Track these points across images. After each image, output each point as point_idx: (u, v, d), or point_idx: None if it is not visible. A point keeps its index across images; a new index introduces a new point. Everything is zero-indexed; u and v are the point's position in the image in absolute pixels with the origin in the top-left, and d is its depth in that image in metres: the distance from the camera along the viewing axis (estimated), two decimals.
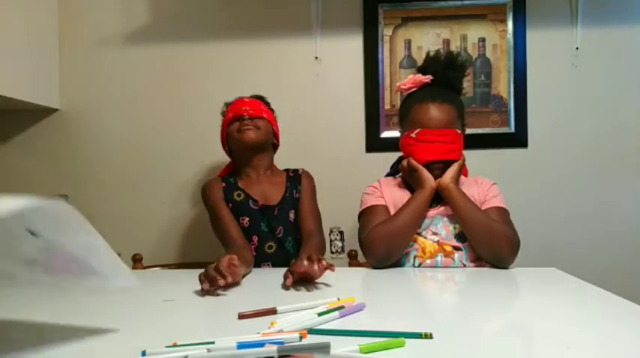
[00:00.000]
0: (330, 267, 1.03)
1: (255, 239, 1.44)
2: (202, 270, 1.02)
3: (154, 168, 1.98)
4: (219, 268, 0.98)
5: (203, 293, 0.98)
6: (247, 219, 1.44)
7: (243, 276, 1.17)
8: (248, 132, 1.46)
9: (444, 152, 1.28)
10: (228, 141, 1.54)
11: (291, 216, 1.47)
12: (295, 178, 1.53)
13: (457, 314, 0.87)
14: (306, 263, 1.00)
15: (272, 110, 1.60)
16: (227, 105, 1.58)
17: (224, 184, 1.49)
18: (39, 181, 2.00)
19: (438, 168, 1.30)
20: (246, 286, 1.13)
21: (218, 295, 0.98)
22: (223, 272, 0.97)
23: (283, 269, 1.09)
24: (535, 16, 1.90)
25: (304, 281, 1.03)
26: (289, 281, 1.01)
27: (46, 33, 1.94)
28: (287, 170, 1.57)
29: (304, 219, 1.47)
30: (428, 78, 1.36)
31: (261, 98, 1.60)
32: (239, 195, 1.46)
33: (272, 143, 1.57)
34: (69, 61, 1.99)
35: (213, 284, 0.96)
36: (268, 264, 1.44)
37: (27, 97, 1.80)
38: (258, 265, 1.42)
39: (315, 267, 1.00)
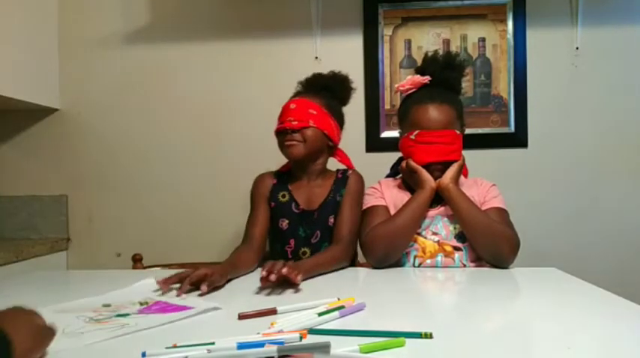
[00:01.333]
0: (291, 277, 0.98)
1: (292, 242, 1.39)
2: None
3: (153, 168, 1.98)
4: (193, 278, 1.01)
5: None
6: (287, 221, 1.39)
7: (236, 277, 1.17)
8: (292, 149, 1.35)
9: (444, 153, 1.28)
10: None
11: (331, 220, 1.38)
12: (342, 180, 1.42)
13: (457, 314, 0.87)
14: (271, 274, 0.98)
15: (332, 107, 1.43)
16: (300, 85, 1.49)
17: (275, 181, 1.44)
18: (39, 181, 2.00)
19: (437, 169, 1.30)
20: (247, 286, 1.12)
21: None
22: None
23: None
24: (535, 16, 1.90)
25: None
26: (271, 277, 0.98)
27: (46, 33, 1.94)
28: (338, 171, 1.46)
29: (339, 224, 1.36)
30: (426, 79, 1.35)
31: (315, 91, 1.44)
32: (284, 196, 1.41)
33: (326, 145, 1.43)
34: (69, 61, 1.99)
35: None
36: None
37: (27, 97, 1.80)
38: None
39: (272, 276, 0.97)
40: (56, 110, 1.99)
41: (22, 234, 1.98)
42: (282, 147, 1.39)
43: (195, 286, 1.01)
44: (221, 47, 1.96)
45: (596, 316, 0.83)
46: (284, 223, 1.39)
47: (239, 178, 1.91)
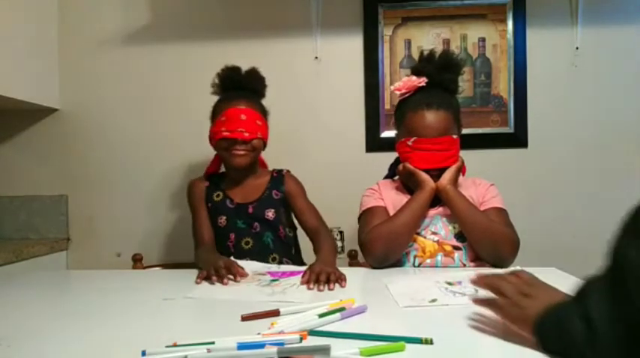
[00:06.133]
0: (340, 282, 1.07)
1: (232, 236, 1.45)
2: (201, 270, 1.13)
3: (153, 167, 1.98)
4: (230, 270, 1.12)
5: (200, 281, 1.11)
6: (224, 218, 1.46)
7: None
8: (240, 159, 1.43)
9: (440, 160, 1.28)
10: (215, 143, 1.49)
11: (269, 214, 1.46)
12: (279, 179, 1.51)
13: (458, 318, 0.87)
14: (311, 284, 1.06)
15: (265, 111, 1.52)
16: (219, 81, 1.54)
17: (207, 183, 1.52)
18: (39, 181, 1.99)
19: (434, 174, 1.30)
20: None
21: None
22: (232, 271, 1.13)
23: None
24: (535, 16, 1.89)
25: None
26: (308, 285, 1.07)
27: (46, 33, 1.94)
28: (273, 170, 1.56)
29: (303, 217, 1.47)
30: (422, 81, 1.34)
31: (255, 97, 1.51)
32: (218, 196, 1.49)
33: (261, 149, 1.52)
34: (69, 61, 1.99)
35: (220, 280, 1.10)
36: (247, 259, 1.41)
37: (27, 97, 1.80)
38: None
39: (322, 287, 1.04)
40: (56, 110, 1.99)
41: (22, 234, 1.98)
42: (228, 154, 1.44)
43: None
44: (221, 47, 1.96)
45: None
46: (222, 220, 1.46)
47: None
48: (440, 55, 1.39)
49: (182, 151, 1.97)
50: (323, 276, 1.06)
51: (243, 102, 1.45)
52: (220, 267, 1.12)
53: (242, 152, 1.42)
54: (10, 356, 0.67)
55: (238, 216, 1.46)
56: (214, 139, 1.46)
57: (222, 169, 1.59)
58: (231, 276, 1.11)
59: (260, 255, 1.42)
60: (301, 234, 1.52)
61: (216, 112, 1.50)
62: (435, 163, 1.28)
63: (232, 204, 1.47)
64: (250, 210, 1.45)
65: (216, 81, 1.55)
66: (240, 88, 1.52)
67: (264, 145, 1.51)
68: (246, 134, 1.41)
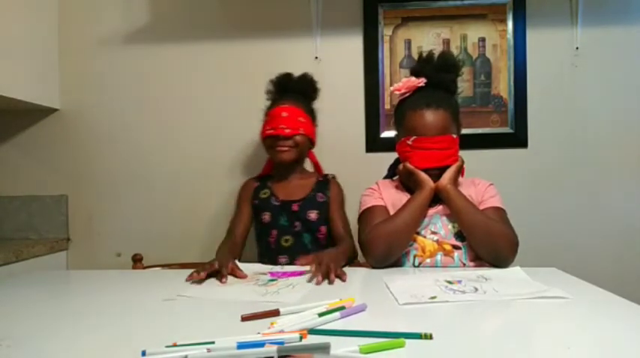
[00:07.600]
0: (341, 276, 1.11)
1: (274, 233, 1.51)
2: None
3: (154, 168, 1.98)
4: (221, 270, 1.13)
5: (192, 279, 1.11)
6: (268, 214, 1.53)
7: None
8: (284, 155, 1.49)
9: (440, 159, 1.29)
10: (263, 143, 1.56)
11: (312, 215, 1.51)
12: (324, 183, 1.57)
13: (457, 314, 0.87)
14: (313, 267, 1.11)
15: (311, 111, 1.60)
16: (272, 86, 1.60)
17: (257, 184, 1.60)
18: (39, 181, 1.99)
19: (435, 174, 1.30)
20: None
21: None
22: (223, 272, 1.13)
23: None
24: (535, 16, 1.90)
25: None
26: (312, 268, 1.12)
27: (46, 33, 1.94)
28: (318, 173, 1.61)
29: (334, 225, 1.52)
30: (421, 81, 1.35)
31: (302, 98, 1.58)
32: (265, 193, 1.56)
33: (309, 147, 1.60)
34: (69, 61, 1.99)
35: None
36: (285, 257, 1.49)
37: (27, 97, 1.80)
38: (274, 258, 1.49)
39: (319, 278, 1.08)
40: (56, 110, 1.99)
41: (22, 234, 1.98)
42: (273, 151, 1.51)
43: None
44: (221, 47, 1.96)
45: (596, 316, 0.83)
46: (266, 216, 1.53)
47: (239, 178, 1.91)
48: (439, 55, 1.41)
49: (182, 151, 1.98)
50: (324, 268, 1.09)
51: (286, 102, 1.53)
52: (211, 266, 1.13)
53: (285, 148, 1.49)
54: (11, 356, 0.67)
55: (282, 213, 1.51)
56: (262, 139, 1.53)
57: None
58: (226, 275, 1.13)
59: (297, 253, 1.45)
60: None
61: (265, 115, 1.56)
62: (434, 162, 1.29)
63: (277, 201, 1.52)
64: (295, 208, 1.50)
65: (270, 87, 1.62)
66: (291, 91, 1.58)
67: (311, 143, 1.58)
68: (287, 130, 1.47)
